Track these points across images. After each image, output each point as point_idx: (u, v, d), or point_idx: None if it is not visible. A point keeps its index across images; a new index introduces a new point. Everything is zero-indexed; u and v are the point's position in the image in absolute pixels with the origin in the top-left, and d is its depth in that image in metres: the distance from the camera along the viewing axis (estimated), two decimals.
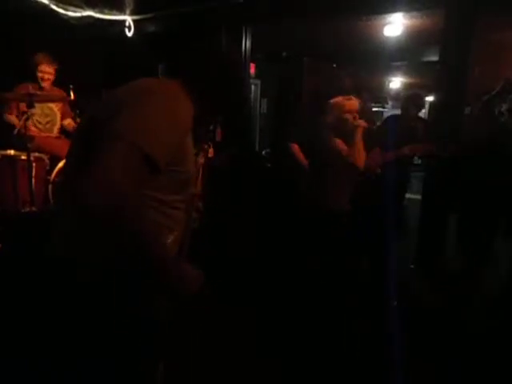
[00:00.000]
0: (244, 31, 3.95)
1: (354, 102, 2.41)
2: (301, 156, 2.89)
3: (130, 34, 4.25)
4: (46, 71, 3.23)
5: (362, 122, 2.35)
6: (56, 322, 0.98)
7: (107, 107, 0.95)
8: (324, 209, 2.38)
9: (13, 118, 3.15)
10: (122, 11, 4.20)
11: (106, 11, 4.12)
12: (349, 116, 2.35)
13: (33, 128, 3.24)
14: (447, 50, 2.98)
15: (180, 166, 0.98)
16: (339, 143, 2.35)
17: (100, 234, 0.89)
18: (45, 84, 3.26)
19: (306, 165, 2.80)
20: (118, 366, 0.97)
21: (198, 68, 1.11)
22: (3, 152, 2.85)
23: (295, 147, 2.89)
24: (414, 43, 4.87)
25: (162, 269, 0.90)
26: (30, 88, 3.19)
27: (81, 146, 0.98)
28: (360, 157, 2.31)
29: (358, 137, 2.32)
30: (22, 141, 2.79)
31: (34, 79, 3.24)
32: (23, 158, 2.82)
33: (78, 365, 0.96)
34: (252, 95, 6.17)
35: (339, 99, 2.44)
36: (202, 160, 1.38)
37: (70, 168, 1.05)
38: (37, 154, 2.94)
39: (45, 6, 3.70)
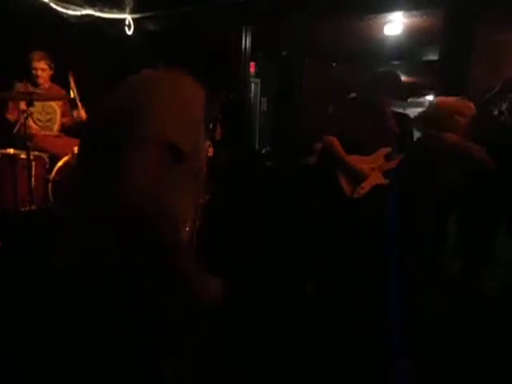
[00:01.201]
0: (244, 31, 3.96)
1: (471, 106, 2.15)
2: (342, 150, 2.58)
3: (129, 32, 4.25)
4: (39, 67, 3.21)
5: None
6: (56, 322, 0.98)
7: (122, 103, 0.94)
8: None
9: (13, 119, 3.16)
10: (121, 10, 4.20)
11: (106, 10, 4.12)
12: (462, 120, 2.11)
13: (33, 125, 3.24)
14: (447, 49, 2.98)
15: (194, 157, 0.98)
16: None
17: (112, 235, 0.89)
18: (40, 80, 3.24)
19: (347, 159, 2.56)
20: (117, 365, 0.97)
21: (201, 56, 1.10)
22: (3, 151, 2.84)
23: (335, 141, 2.56)
24: (414, 42, 4.87)
25: (186, 276, 0.93)
26: (30, 86, 3.20)
27: (93, 145, 0.97)
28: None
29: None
30: (22, 139, 2.79)
31: (32, 76, 3.23)
32: (23, 156, 2.82)
33: (76, 364, 0.96)
34: (252, 94, 6.17)
35: (453, 101, 2.20)
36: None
37: (83, 168, 1.04)
38: (36, 153, 2.93)
39: (45, 5, 3.70)
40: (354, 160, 2.59)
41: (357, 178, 2.59)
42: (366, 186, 2.60)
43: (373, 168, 2.62)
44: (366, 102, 2.71)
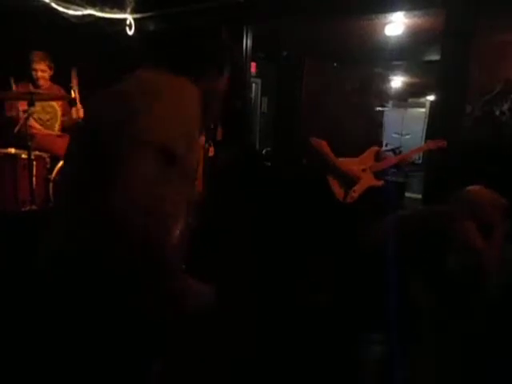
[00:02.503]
0: (245, 30, 3.96)
1: (504, 202, 2.05)
2: (331, 153, 2.53)
3: (130, 32, 4.25)
4: (40, 68, 3.24)
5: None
6: (51, 322, 0.97)
7: (116, 109, 0.93)
8: None
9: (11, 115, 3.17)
10: (122, 10, 4.20)
11: (107, 10, 4.12)
12: (494, 211, 1.99)
13: (35, 124, 3.25)
14: (448, 49, 2.98)
15: (187, 159, 0.97)
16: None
17: (99, 240, 0.88)
18: (41, 82, 3.26)
19: (337, 162, 2.52)
20: (107, 364, 0.96)
21: (202, 65, 1.11)
22: (4, 150, 2.84)
23: (323, 144, 2.52)
24: (415, 42, 4.86)
25: (175, 286, 0.92)
26: (30, 86, 3.21)
27: (85, 145, 0.96)
28: (494, 258, 1.96)
29: (499, 236, 1.95)
30: (23, 139, 2.79)
31: (32, 77, 3.25)
32: (24, 156, 2.82)
33: (68, 362, 0.95)
34: (252, 94, 6.17)
35: (487, 194, 2.09)
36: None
37: (74, 169, 1.02)
38: (37, 153, 2.93)
39: (45, 5, 3.71)
40: (344, 163, 2.52)
41: (348, 181, 2.52)
42: (359, 189, 2.53)
43: (364, 169, 2.56)
44: (354, 103, 2.65)
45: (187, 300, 0.96)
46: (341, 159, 2.52)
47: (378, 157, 2.63)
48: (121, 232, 0.81)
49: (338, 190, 2.54)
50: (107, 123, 0.92)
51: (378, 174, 2.62)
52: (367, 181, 2.55)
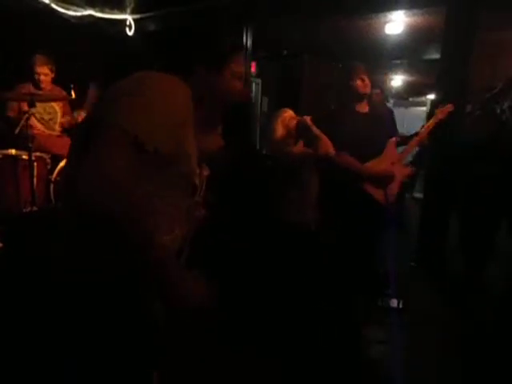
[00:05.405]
0: (245, 30, 3.96)
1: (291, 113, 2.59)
2: (358, 163, 2.40)
3: (130, 32, 4.25)
4: (42, 72, 3.27)
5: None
6: (52, 323, 0.97)
7: (103, 103, 0.96)
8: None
9: (13, 116, 3.18)
10: (122, 10, 4.21)
11: (107, 10, 4.13)
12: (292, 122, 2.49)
13: (37, 124, 3.27)
14: (448, 47, 2.98)
15: (179, 160, 0.97)
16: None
17: (92, 232, 0.89)
18: (43, 84, 3.29)
19: (367, 169, 2.39)
20: (107, 366, 0.96)
21: (189, 64, 1.10)
22: (4, 151, 2.84)
23: (347, 158, 2.37)
24: (415, 41, 4.86)
25: (158, 268, 0.86)
26: (31, 88, 3.21)
27: (79, 145, 0.97)
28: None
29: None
30: (24, 140, 2.80)
31: (34, 79, 3.26)
32: (24, 157, 2.82)
33: (67, 367, 0.95)
34: (253, 94, 6.16)
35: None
36: (206, 172, 1.34)
37: (68, 167, 1.04)
38: (38, 154, 2.94)
39: (45, 6, 3.71)
40: (373, 165, 2.40)
41: (385, 180, 2.42)
42: (396, 185, 2.44)
43: (393, 163, 2.45)
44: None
45: (181, 292, 0.89)
46: (367, 164, 2.41)
47: (400, 145, 2.57)
48: (85, 211, 0.83)
49: (376, 193, 2.42)
50: (95, 117, 0.93)
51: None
52: (400, 173, 2.46)
